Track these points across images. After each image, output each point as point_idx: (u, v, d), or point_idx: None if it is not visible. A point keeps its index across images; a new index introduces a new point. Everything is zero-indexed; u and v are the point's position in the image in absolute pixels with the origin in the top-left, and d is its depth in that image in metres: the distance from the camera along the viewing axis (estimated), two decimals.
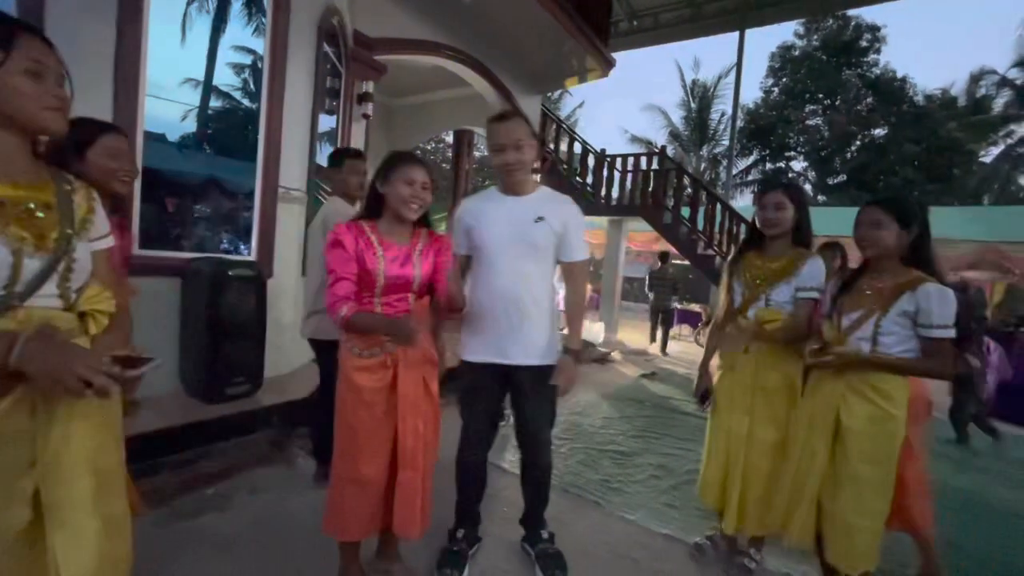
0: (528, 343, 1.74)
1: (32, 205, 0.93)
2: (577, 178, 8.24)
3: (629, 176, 7.89)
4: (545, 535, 1.94)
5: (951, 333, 1.54)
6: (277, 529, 2.03)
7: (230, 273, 2.81)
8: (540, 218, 1.71)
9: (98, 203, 1.08)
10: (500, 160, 1.71)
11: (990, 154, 16.65)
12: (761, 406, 1.87)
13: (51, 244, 0.94)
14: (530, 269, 1.74)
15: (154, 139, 2.92)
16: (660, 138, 19.15)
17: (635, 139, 19.33)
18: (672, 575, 1.97)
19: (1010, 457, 3.82)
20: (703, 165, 19.02)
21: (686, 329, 9.79)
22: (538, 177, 6.86)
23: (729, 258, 2.08)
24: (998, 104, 16.19)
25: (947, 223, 8.48)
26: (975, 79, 16.74)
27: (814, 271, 1.83)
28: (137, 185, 2.70)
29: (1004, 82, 15.98)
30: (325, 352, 2.22)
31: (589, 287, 11.05)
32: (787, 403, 1.86)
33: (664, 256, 8.10)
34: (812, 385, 1.77)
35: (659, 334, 7.84)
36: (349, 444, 1.56)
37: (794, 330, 1.81)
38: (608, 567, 1.99)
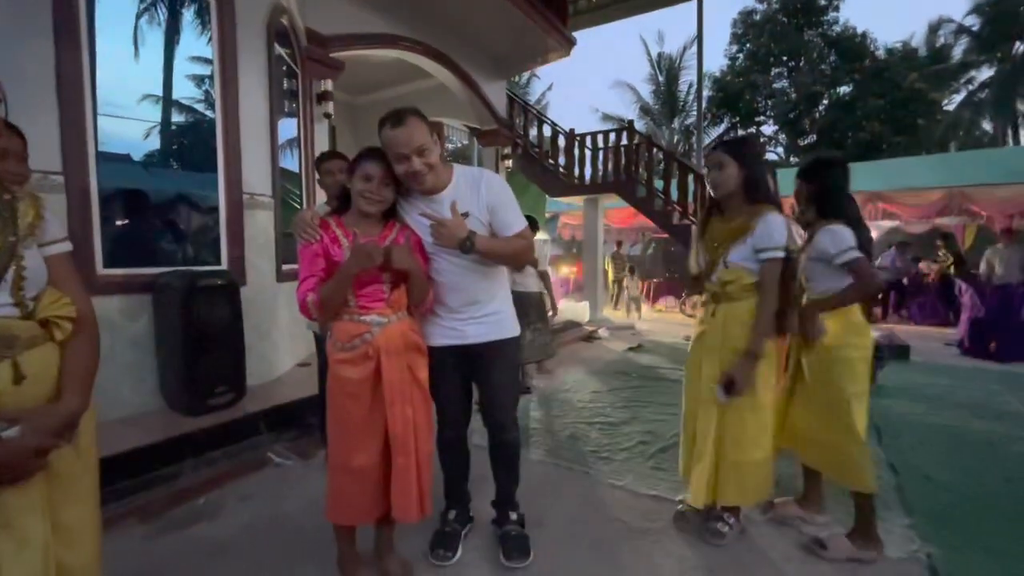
0: (484, 322, 1.75)
1: None
2: (549, 160, 8.24)
3: (601, 153, 7.91)
4: (514, 516, 1.94)
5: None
6: (270, 532, 2.05)
7: (201, 284, 2.77)
8: (464, 215, 1.62)
9: (48, 209, 1.07)
10: (404, 170, 1.54)
11: (953, 102, 16.97)
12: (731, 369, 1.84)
13: None
14: (472, 260, 1.66)
15: (115, 159, 2.88)
16: (631, 114, 19.16)
17: (607, 117, 19.30)
18: (661, 533, 2.03)
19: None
20: (676, 137, 19.09)
21: (671, 300, 9.91)
22: (509, 163, 6.77)
23: (698, 221, 2.07)
24: (957, 52, 16.47)
25: (914, 173, 8.67)
26: (933, 29, 17.02)
27: (769, 228, 1.77)
28: (95, 205, 2.66)
29: (961, 29, 16.24)
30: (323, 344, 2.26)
31: (574, 269, 11.16)
32: (767, 367, 1.85)
33: (620, 243, 11.06)
34: None
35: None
36: (340, 435, 1.60)
37: (766, 300, 1.79)
38: (598, 531, 2.05)
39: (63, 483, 1.01)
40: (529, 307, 4.17)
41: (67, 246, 1.10)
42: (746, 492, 1.88)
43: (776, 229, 1.78)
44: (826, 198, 1.93)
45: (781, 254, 1.79)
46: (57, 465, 0.98)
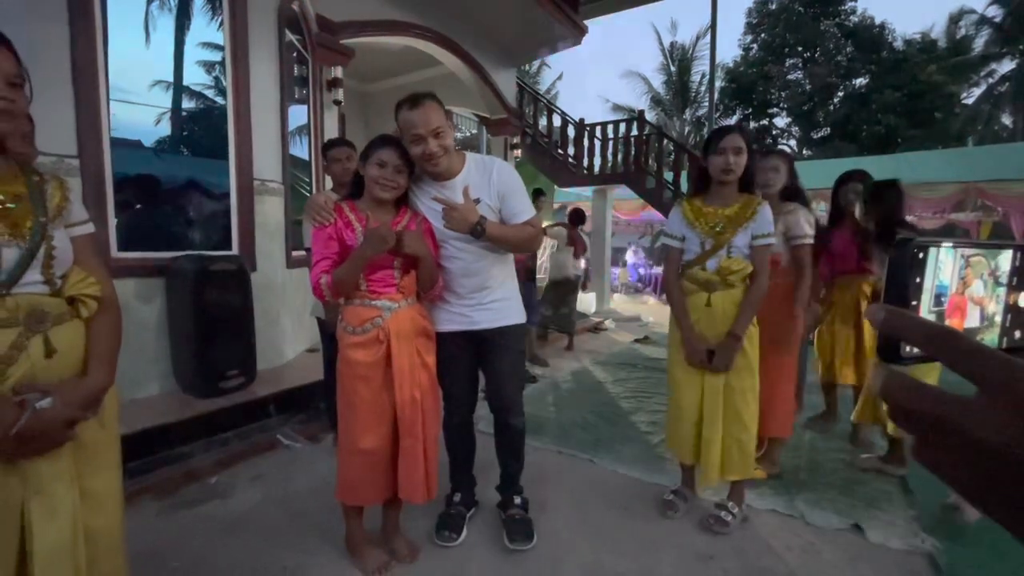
0: (492, 308, 1.77)
1: (1, 197, 0.97)
2: (559, 150, 8.19)
3: (610, 144, 7.86)
4: (518, 501, 1.97)
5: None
6: (280, 510, 2.10)
7: (213, 268, 2.81)
8: (476, 201, 1.64)
9: (73, 191, 1.11)
10: (420, 151, 1.57)
11: (972, 95, 16.58)
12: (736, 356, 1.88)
13: (27, 232, 0.97)
14: (481, 246, 1.69)
15: (127, 145, 2.91)
16: (642, 105, 18.93)
17: (617, 107, 19.09)
18: (664, 520, 2.05)
19: None
20: (687, 129, 18.87)
21: None
22: (518, 153, 6.83)
23: (680, 203, 2.00)
24: (978, 44, 16.06)
25: (930, 167, 8.50)
26: (954, 20, 16.57)
27: (768, 216, 1.86)
28: (109, 189, 2.69)
29: (983, 20, 15.82)
30: (330, 330, 2.28)
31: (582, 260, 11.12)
32: (756, 347, 1.93)
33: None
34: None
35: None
36: (350, 418, 1.64)
37: (759, 284, 1.86)
38: (601, 517, 2.07)
39: (89, 453, 1.05)
40: (577, 286, 5.25)
41: (90, 227, 1.15)
42: (747, 466, 1.93)
43: (770, 217, 1.88)
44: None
45: (775, 240, 1.91)
46: (84, 436, 1.02)
